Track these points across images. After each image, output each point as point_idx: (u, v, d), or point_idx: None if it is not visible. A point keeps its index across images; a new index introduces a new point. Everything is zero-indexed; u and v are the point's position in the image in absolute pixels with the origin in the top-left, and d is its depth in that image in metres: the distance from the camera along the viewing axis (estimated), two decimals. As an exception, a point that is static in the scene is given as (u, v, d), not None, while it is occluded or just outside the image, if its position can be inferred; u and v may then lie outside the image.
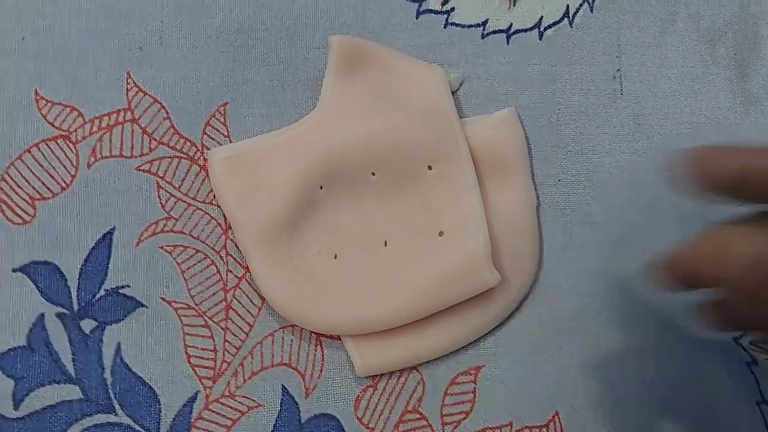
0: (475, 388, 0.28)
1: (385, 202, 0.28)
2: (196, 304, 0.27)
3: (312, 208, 0.27)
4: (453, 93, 0.29)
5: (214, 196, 0.27)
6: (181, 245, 0.27)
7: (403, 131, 0.27)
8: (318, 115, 0.28)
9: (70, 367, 0.26)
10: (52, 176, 0.27)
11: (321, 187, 0.27)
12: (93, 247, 0.27)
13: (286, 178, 0.27)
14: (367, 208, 0.28)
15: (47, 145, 0.27)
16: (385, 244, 0.28)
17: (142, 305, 0.26)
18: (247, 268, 0.27)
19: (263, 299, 0.27)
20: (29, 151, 0.27)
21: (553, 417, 0.28)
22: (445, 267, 0.27)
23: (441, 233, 0.28)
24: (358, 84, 0.28)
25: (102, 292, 0.26)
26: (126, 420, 0.26)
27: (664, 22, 0.31)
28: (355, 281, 0.27)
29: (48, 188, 0.27)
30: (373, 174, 0.27)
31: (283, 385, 0.26)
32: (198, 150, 0.28)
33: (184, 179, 0.27)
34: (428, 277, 0.27)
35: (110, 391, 0.26)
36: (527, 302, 0.28)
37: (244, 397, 0.26)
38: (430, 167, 0.28)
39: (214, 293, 0.27)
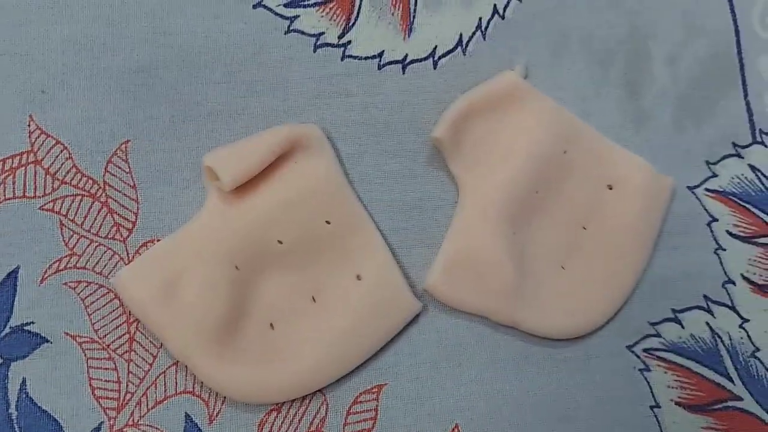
0: (377, 405, 0.29)
1: (300, 263, 0.29)
2: (99, 338, 0.28)
3: (235, 289, 0.28)
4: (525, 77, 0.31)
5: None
6: (84, 281, 0.28)
7: (293, 202, 0.28)
8: (211, 205, 0.28)
9: (-25, 404, 0.27)
10: (-45, 219, 0.28)
11: (237, 268, 0.28)
12: (-3, 287, 0.28)
13: (200, 273, 0.27)
14: (284, 273, 0.29)
15: (-50, 189, 0.28)
16: (314, 300, 0.29)
17: (47, 341, 0.27)
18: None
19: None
20: (-68, 196, 0.27)
21: (453, 430, 0.29)
22: (371, 304, 0.28)
23: (359, 276, 0.29)
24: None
25: (7, 330, 0.27)
26: (32, 453, 0.27)
27: (556, 45, 0.33)
28: (294, 343, 0.28)
29: (-48, 231, 0.27)
30: (280, 242, 0.28)
31: (186, 413, 0.27)
32: (100, 187, 0.28)
33: (86, 216, 0.28)
34: (357, 317, 0.28)
35: (15, 426, 0.26)
36: (427, 321, 0.30)
37: (148, 425, 0.27)
38: (328, 222, 0.29)
39: (117, 326, 0.28)
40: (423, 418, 0.29)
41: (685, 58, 0.33)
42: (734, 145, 0.33)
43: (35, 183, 0.28)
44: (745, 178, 0.33)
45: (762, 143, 0.33)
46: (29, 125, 0.28)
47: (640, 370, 0.30)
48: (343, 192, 0.30)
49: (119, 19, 0.29)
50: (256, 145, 0.28)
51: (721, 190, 0.33)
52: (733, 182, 0.33)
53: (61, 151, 0.28)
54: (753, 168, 0.33)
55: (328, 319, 0.29)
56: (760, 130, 0.33)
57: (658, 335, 0.31)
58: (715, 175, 0.33)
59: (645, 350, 0.31)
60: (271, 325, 0.28)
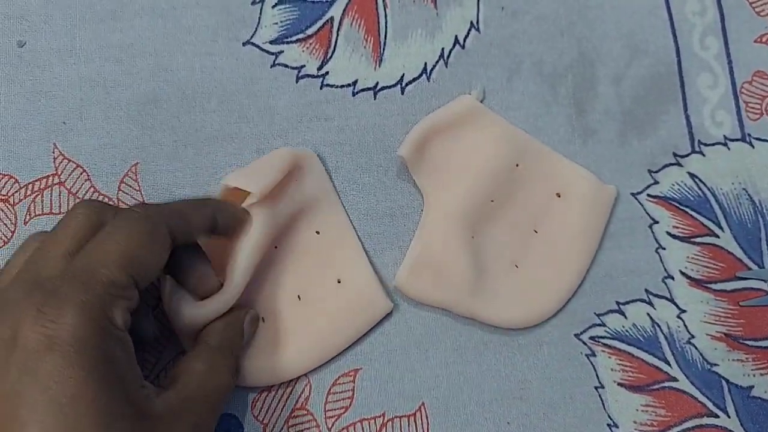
0: (354, 387, 0.33)
1: (289, 266, 0.33)
2: (118, 331, 0.33)
3: None
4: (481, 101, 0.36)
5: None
6: (104, 283, 0.33)
7: (292, 214, 0.33)
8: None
9: None
10: (-6, 233, 0.33)
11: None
12: (31, 289, 0.32)
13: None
14: (276, 275, 0.33)
15: (-11, 208, 0.33)
16: (299, 299, 0.33)
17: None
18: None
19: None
20: (-25, 214, 0.33)
21: (420, 407, 0.33)
22: (349, 305, 0.33)
23: (339, 281, 0.34)
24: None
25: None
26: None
27: (511, 70, 0.37)
28: (282, 334, 0.33)
29: (-9, 243, 0.33)
30: (275, 247, 0.33)
31: (191, 394, 0.32)
32: (115, 204, 0.33)
33: (104, 229, 0.33)
34: (337, 316, 0.33)
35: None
36: (398, 314, 0.34)
37: (159, 404, 0.32)
38: (317, 232, 0.34)
39: (133, 321, 0.33)
40: (394, 398, 0.33)
41: (629, 77, 0.37)
42: (674, 155, 0.37)
43: (60, 201, 0.33)
44: (684, 184, 0.37)
45: (700, 152, 0.37)
46: (53, 152, 0.33)
47: (586, 355, 0.35)
48: (334, 207, 0.34)
49: (126, 59, 0.34)
50: (270, 164, 0.33)
51: (662, 195, 0.37)
52: (673, 188, 0.37)
53: (81, 174, 0.33)
54: (692, 175, 0.37)
55: (312, 316, 0.33)
56: (698, 141, 0.37)
57: (603, 325, 0.35)
58: (656, 182, 0.37)
59: (591, 338, 0.35)
60: (263, 319, 0.33)
